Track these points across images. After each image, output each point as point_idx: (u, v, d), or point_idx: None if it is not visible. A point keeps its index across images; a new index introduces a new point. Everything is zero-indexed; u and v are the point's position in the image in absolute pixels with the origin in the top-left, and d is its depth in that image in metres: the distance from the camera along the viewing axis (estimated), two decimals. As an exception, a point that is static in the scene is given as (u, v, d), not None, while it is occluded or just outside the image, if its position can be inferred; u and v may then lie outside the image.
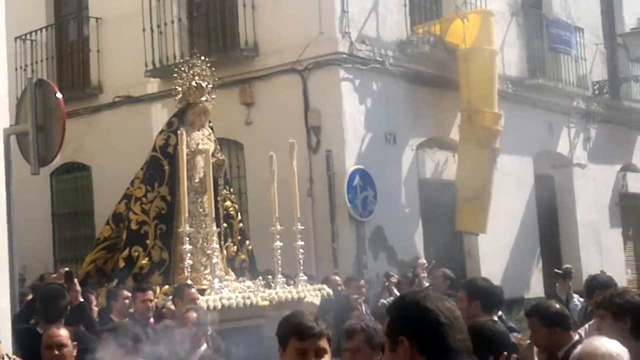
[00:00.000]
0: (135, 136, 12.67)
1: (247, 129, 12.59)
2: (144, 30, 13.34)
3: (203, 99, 9.30)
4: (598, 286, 6.78)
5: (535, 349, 5.15)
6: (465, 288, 5.76)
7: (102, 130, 14.12)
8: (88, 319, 6.14)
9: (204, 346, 5.77)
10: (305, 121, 12.04)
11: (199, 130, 9.25)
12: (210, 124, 9.53)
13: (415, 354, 2.49)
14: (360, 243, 11.75)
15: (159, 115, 13.14)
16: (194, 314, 5.91)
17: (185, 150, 8.36)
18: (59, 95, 6.93)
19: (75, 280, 6.54)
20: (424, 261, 11.60)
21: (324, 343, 3.36)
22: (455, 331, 2.50)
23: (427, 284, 10.26)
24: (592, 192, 16.47)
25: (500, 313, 6.40)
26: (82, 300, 6.48)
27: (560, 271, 10.15)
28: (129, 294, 7.54)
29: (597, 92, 16.95)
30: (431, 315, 2.51)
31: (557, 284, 10.08)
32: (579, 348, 3.35)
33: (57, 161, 13.28)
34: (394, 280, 10.28)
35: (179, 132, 8.52)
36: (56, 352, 4.66)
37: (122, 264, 8.44)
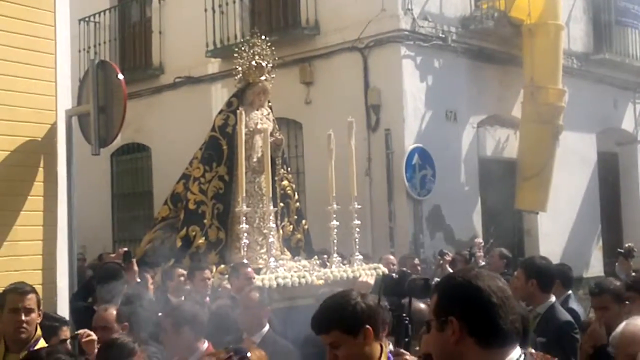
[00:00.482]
0: (196, 117, 12.82)
1: (306, 108, 12.62)
2: (205, 10, 13.45)
3: (262, 78, 9.26)
4: None
5: None
6: (522, 266, 5.68)
7: (162, 111, 14.33)
8: (144, 298, 6.26)
9: (267, 327, 5.74)
10: (365, 100, 11.99)
11: (257, 110, 9.24)
12: (270, 104, 9.53)
13: (464, 335, 2.41)
14: (418, 222, 11.70)
15: (219, 95, 13.26)
16: (257, 294, 5.91)
17: (243, 130, 8.38)
18: (120, 76, 7.04)
19: (133, 260, 6.67)
20: (481, 240, 11.51)
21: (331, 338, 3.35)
22: (507, 312, 2.41)
23: (483, 263, 10.16)
24: (657, 170, 16.06)
25: (569, 292, 6.31)
26: (139, 280, 6.60)
27: (622, 250, 9.96)
28: (184, 272, 7.64)
29: (664, 67, 16.43)
30: (483, 295, 2.41)
31: (616, 263, 9.88)
32: (620, 327, 3.31)
33: (118, 142, 13.56)
34: (448, 258, 10.18)
35: (238, 111, 8.53)
36: (102, 332, 4.80)
37: (179, 243, 8.51)
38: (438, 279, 9.78)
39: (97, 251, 12.72)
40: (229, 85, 12.99)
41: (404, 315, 3.59)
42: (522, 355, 2.42)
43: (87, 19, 15.23)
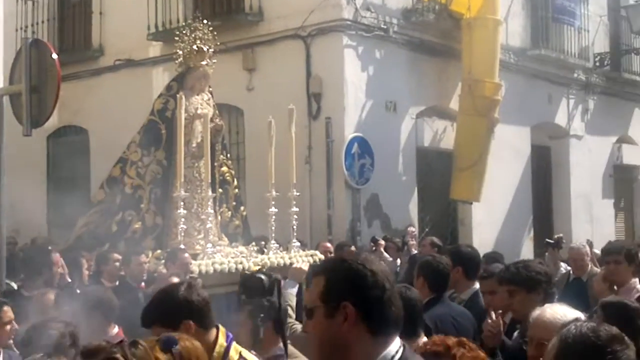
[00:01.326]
0: (135, 100, 12.68)
1: (248, 94, 12.62)
2: (147, -8, 13.30)
3: (204, 63, 9.23)
4: None
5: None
6: (449, 254, 5.85)
7: (101, 93, 14.13)
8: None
9: None
10: (307, 88, 12.06)
11: (198, 95, 9.18)
12: (210, 89, 9.50)
13: (357, 321, 2.31)
14: (355, 210, 11.83)
15: (160, 79, 13.13)
16: (177, 279, 5.92)
17: (183, 115, 8.32)
18: (54, 56, 6.86)
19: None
20: (414, 229, 11.70)
21: None
22: (395, 299, 2.37)
23: (415, 252, 10.34)
24: (587, 164, 16.53)
25: None
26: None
27: (551, 241, 10.26)
28: (119, 257, 7.60)
29: (597, 64, 16.89)
30: (378, 280, 2.33)
31: (546, 253, 10.19)
32: (535, 314, 3.39)
33: (55, 124, 13.37)
34: (381, 243, 10.33)
35: (178, 96, 8.48)
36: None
37: (114, 227, 8.44)
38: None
39: (32, 235, 12.52)
40: (170, 69, 12.84)
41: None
42: (401, 347, 2.37)
43: (25, -2, 14.91)
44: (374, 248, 10.23)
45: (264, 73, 12.48)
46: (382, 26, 12.46)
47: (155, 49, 13.66)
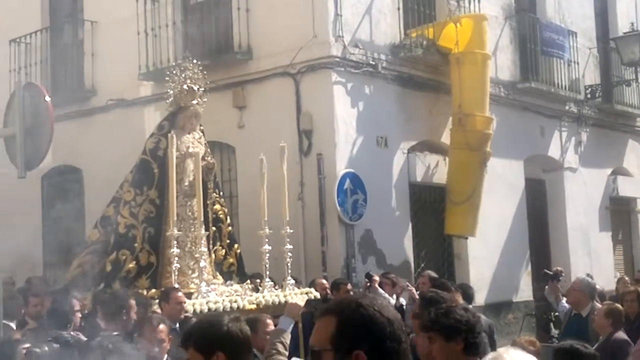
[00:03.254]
0: (128, 139, 12.68)
1: (239, 132, 12.66)
2: (138, 33, 13.40)
3: (194, 102, 9.33)
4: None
5: None
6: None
7: (94, 133, 14.15)
8: None
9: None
10: (297, 124, 12.09)
11: (189, 134, 9.28)
12: (201, 127, 9.58)
13: None
14: (350, 247, 11.79)
15: (152, 118, 13.15)
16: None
17: (175, 154, 8.39)
18: (47, 98, 6.92)
19: None
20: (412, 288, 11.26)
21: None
22: (408, 354, 2.26)
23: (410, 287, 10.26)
24: (582, 196, 16.55)
25: None
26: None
27: (550, 272, 10.22)
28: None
29: (589, 96, 16.98)
30: (396, 332, 2.23)
31: (546, 287, 10.13)
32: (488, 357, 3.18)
33: (49, 164, 13.34)
34: (376, 279, 10.28)
35: (169, 135, 8.55)
36: None
37: (109, 267, 8.44)
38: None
39: (27, 275, 12.45)
40: (162, 108, 12.90)
41: None
42: None
43: (18, 40, 15.00)
44: (368, 284, 10.18)
45: (254, 110, 12.53)
46: (371, 62, 12.54)
47: (146, 89, 13.73)
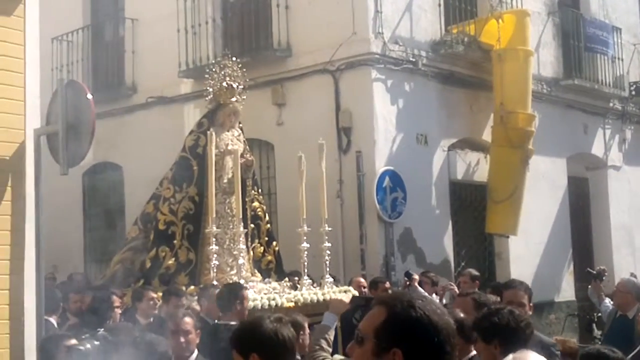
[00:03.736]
0: (167, 136, 12.78)
1: (278, 129, 12.64)
2: (178, 31, 13.47)
3: (233, 99, 9.31)
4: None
5: None
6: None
7: (134, 130, 14.29)
8: None
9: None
10: (336, 122, 12.03)
11: (228, 131, 9.26)
12: (240, 125, 9.56)
13: None
14: (389, 245, 11.70)
15: (192, 115, 13.24)
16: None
17: (214, 151, 8.37)
18: (89, 96, 6.97)
19: None
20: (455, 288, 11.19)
21: None
22: (450, 352, 2.22)
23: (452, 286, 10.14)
24: (626, 194, 16.25)
25: None
26: None
27: (593, 271, 10.01)
28: (154, 295, 7.57)
29: (633, 92, 16.66)
30: (440, 337, 2.19)
31: (589, 286, 9.93)
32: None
33: (90, 161, 13.47)
34: (415, 278, 10.17)
35: (208, 132, 8.54)
36: None
37: (148, 264, 8.45)
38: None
39: (69, 270, 12.60)
40: (201, 106, 12.97)
41: None
42: None
43: (60, 38, 15.19)
44: (407, 283, 10.09)
45: (293, 108, 12.50)
46: (411, 59, 12.43)
47: (186, 86, 13.80)
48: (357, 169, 11.74)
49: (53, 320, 7.36)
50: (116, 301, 7.05)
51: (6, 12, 6.60)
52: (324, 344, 4.92)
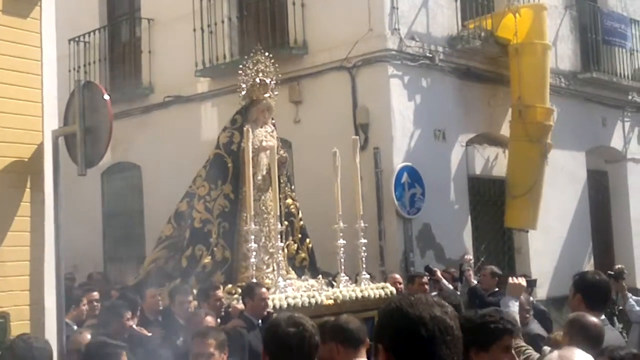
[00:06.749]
0: (185, 135, 12.82)
1: (295, 127, 12.62)
2: (194, 30, 13.50)
3: (266, 95, 9.23)
4: None
5: None
6: (573, 280, 5.46)
7: (152, 129, 14.34)
8: None
9: None
10: (354, 119, 12.00)
11: (262, 127, 9.14)
12: (273, 121, 9.47)
13: None
14: (408, 241, 11.67)
15: (209, 114, 13.28)
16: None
17: (250, 147, 8.25)
18: (106, 96, 6.99)
19: None
20: (471, 257, 11.46)
21: None
22: (437, 346, 2.17)
23: (475, 282, 10.13)
24: (646, 187, 16.12)
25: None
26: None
27: (612, 272, 9.90)
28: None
29: (652, 85, 16.53)
30: (410, 326, 2.18)
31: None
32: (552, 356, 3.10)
33: (108, 161, 13.57)
34: (438, 272, 10.12)
35: (244, 129, 8.41)
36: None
37: (185, 262, 8.36)
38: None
39: (89, 270, 12.67)
40: (218, 105, 13.04)
41: None
42: None
43: (77, 39, 15.27)
44: (429, 278, 10.07)
45: (310, 105, 12.49)
46: (428, 54, 12.38)
47: (203, 85, 13.83)
48: (375, 165, 11.71)
49: (70, 321, 7.36)
50: (126, 315, 6.85)
51: (23, 15, 6.64)
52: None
